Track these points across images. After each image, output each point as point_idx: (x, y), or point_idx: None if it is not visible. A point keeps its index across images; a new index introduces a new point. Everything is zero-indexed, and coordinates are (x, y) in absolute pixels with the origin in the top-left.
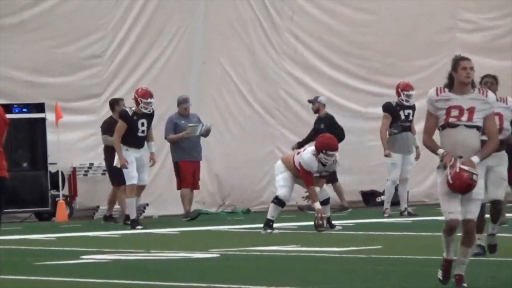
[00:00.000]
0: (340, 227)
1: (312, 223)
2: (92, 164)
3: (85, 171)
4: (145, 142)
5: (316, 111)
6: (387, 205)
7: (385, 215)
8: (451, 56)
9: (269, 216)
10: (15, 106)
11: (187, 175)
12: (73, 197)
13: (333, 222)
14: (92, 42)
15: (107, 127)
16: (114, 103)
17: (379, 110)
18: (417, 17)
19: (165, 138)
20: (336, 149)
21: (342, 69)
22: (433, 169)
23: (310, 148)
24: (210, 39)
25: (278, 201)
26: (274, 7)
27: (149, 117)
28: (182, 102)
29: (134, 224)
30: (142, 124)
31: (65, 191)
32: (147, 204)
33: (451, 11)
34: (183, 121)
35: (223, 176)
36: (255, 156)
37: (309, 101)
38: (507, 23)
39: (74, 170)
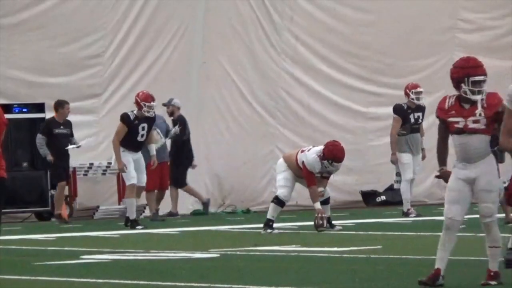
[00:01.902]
0: (340, 227)
1: (312, 223)
2: (92, 164)
3: (85, 171)
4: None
5: (171, 114)
6: (408, 205)
7: (412, 215)
8: (451, 56)
9: (269, 216)
10: (15, 106)
11: (151, 178)
12: (73, 197)
13: (333, 222)
14: (92, 42)
15: (45, 127)
16: (58, 106)
17: (379, 110)
18: (417, 17)
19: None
20: (341, 161)
21: (342, 69)
22: (433, 169)
23: (315, 148)
24: (210, 39)
25: (278, 201)
26: (274, 7)
27: (150, 121)
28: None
29: (134, 224)
30: (143, 128)
31: (65, 191)
32: (147, 204)
33: (451, 11)
34: (157, 130)
35: (223, 176)
36: (255, 156)
37: (164, 105)
38: (507, 23)
39: (74, 170)
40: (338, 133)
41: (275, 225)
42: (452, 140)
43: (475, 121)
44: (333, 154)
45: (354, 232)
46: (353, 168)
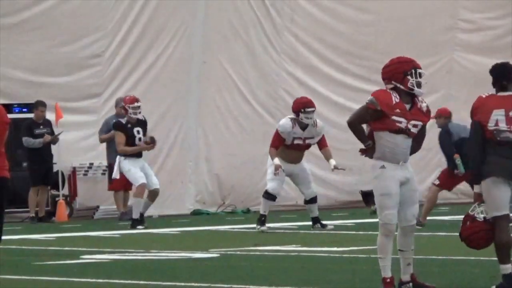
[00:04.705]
0: (332, 226)
1: (311, 223)
2: (92, 164)
3: (85, 171)
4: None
5: None
6: None
7: None
8: (451, 56)
9: (261, 212)
10: (15, 106)
11: (117, 178)
12: (73, 197)
13: (329, 221)
14: (92, 42)
15: (27, 129)
16: (33, 107)
17: None
18: (417, 17)
19: (99, 139)
20: (313, 106)
21: (342, 69)
22: (433, 170)
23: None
24: (210, 39)
25: (268, 195)
26: (274, 7)
27: (143, 125)
28: (120, 102)
29: (135, 223)
30: (138, 132)
31: (65, 191)
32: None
33: (451, 11)
34: None
35: (223, 176)
36: (255, 156)
37: None
38: (507, 23)
39: (74, 170)
40: (338, 133)
41: (275, 225)
42: (384, 137)
43: (414, 126)
44: (300, 102)
45: (354, 232)
46: (353, 168)
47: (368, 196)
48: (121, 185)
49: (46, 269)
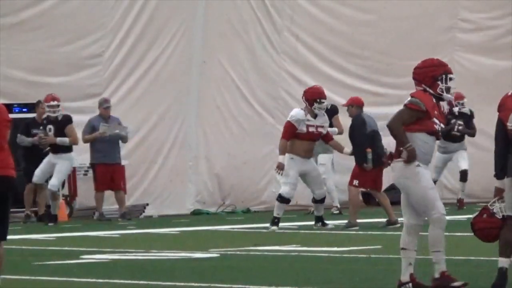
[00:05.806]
0: (332, 226)
1: (312, 223)
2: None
3: (85, 171)
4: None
5: None
6: None
7: None
8: (451, 56)
9: (275, 214)
10: (15, 106)
11: (100, 178)
12: (73, 197)
13: (328, 221)
14: (92, 42)
15: (24, 128)
16: (35, 106)
17: (379, 110)
18: (417, 17)
19: (82, 139)
20: (325, 96)
21: (342, 69)
22: (431, 169)
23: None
24: (210, 39)
25: (282, 199)
26: (274, 7)
27: (56, 123)
28: (103, 103)
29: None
30: (50, 130)
31: (65, 191)
32: (147, 204)
33: (451, 11)
34: (102, 123)
35: (223, 176)
36: (255, 156)
37: None
38: (507, 23)
39: (74, 170)
40: None
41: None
42: (420, 138)
43: (441, 128)
44: (315, 92)
45: (354, 232)
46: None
47: (368, 196)
48: (104, 186)
49: (46, 269)
